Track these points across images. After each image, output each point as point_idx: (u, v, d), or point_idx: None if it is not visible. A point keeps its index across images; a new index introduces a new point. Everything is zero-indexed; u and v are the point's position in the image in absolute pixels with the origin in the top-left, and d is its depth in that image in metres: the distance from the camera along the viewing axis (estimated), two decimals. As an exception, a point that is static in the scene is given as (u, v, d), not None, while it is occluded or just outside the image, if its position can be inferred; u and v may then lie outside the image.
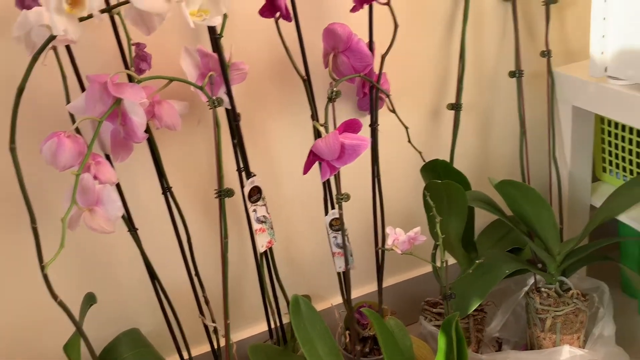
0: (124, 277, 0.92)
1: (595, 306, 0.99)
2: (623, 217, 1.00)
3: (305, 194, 0.98)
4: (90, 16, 0.59)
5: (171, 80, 0.72)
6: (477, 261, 0.83)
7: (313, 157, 0.69)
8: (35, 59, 0.63)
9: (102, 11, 0.60)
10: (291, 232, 1.00)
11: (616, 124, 1.04)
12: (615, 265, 1.01)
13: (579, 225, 1.08)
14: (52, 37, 0.63)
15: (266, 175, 0.94)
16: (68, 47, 0.74)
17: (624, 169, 1.06)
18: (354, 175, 0.97)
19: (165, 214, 0.84)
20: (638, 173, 1.02)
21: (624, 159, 1.05)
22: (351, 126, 0.71)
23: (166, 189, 0.83)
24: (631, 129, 1.00)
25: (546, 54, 1.01)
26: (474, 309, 0.88)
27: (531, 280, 1.00)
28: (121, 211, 0.69)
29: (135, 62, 0.77)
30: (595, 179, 1.13)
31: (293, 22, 0.80)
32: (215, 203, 0.79)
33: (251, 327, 1.03)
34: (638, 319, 1.12)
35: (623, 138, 1.03)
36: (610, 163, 1.09)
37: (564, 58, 1.06)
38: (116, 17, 0.74)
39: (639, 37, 0.82)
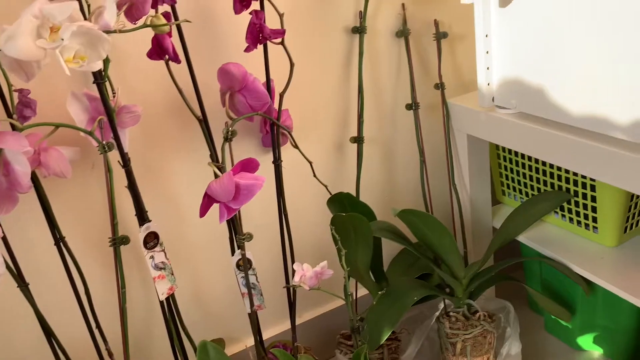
0: (18, 337, 0.85)
1: (502, 326, 1.03)
2: (522, 238, 1.06)
3: (211, 235, 0.96)
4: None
5: (57, 126, 0.69)
6: (379, 292, 0.84)
7: (208, 199, 0.68)
8: None
9: (-29, 59, 0.57)
10: (200, 275, 0.98)
11: (510, 149, 1.10)
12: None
13: (483, 248, 1.12)
14: None
15: (169, 217, 0.92)
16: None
17: (521, 192, 1.12)
18: (262, 212, 0.97)
19: (60, 266, 0.79)
20: (533, 195, 1.08)
21: (519, 182, 1.11)
22: (248, 165, 0.71)
23: (59, 240, 0.78)
24: (523, 154, 1.06)
25: (440, 86, 1.06)
26: (386, 338, 0.89)
27: (442, 305, 1.02)
28: (2, 268, 0.65)
29: (18, 109, 0.73)
30: (496, 201, 1.19)
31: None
32: (110, 250, 0.76)
33: (162, 377, 0.99)
34: (544, 334, 1.17)
35: (517, 162, 1.09)
36: (509, 186, 1.15)
37: (457, 89, 1.12)
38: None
39: (517, 69, 0.88)
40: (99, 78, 0.68)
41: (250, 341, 1.01)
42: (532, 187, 1.08)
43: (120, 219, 0.83)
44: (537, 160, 1.04)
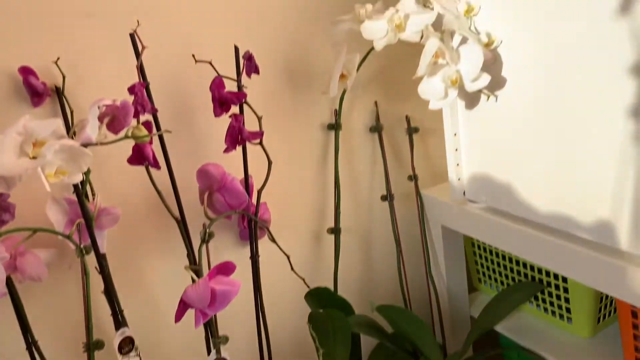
0: None
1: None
2: (499, 328, 1.06)
3: (187, 335, 0.94)
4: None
5: (35, 231, 0.70)
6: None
7: (184, 305, 0.68)
8: None
9: (-48, 174, 0.59)
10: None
11: (483, 239, 1.12)
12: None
13: (462, 337, 1.12)
14: None
15: (145, 318, 0.90)
16: None
17: (497, 280, 1.13)
18: (239, 308, 0.96)
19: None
20: (508, 284, 1.10)
21: (494, 270, 1.12)
22: (224, 269, 0.72)
23: (31, 344, 0.77)
24: (496, 243, 1.09)
25: (413, 177, 1.09)
26: None
27: (421, 399, 1.00)
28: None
29: (-4, 213, 0.74)
30: (473, 289, 1.20)
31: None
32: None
33: None
34: None
35: (491, 252, 1.11)
36: (484, 274, 1.16)
37: (430, 180, 1.15)
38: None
39: (486, 166, 0.92)
40: (78, 189, 0.70)
41: None
42: (507, 277, 1.10)
43: (96, 320, 0.82)
44: (510, 250, 1.06)
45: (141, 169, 0.80)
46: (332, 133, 1.03)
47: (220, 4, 0.91)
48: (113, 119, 0.66)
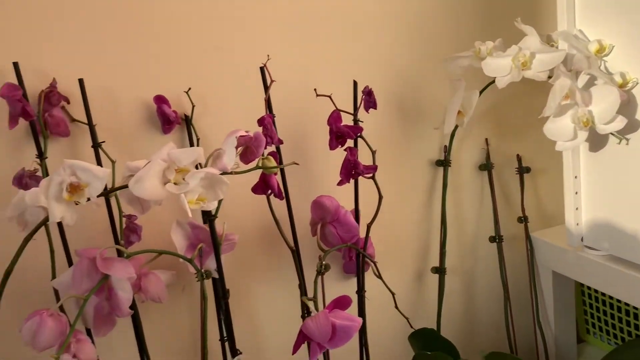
0: None
1: None
2: (614, 385, 0.99)
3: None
4: (88, 199, 0.60)
5: (160, 253, 0.72)
6: None
7: (303, 337, 0.68)
8: (27, 240, 0.63)
9: (100, 195, 0.62)
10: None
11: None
12: None
13: (569, 391, 1.06)
14: (45, 220, 0.63)
15: (249, 345, 0.91)
16: (59, 222, 0.74)
17: (608, 332, 1.06)
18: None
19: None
20: (622, 337, 1.03)
21: (606, 322, 1.05)
22: (341, 303, 0.71)
23: (146, 364, 0.79)
24: (611, 294, 1.02)
25: (523, 219, 1.05)
26: None
27: None
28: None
29: (125, 234, 0.77)
30: (579, 339, 1.13)
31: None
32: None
33: None
34: None
35: (604, 302, 1.04)
36: (594, 325, 1.09)
37: (541, 223, 1.11)
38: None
39: (609, 211, 0.87)
40: (211, 215, 0.72)
41: None
42: (620, 329, 1.03)
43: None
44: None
45: (256, 197, 0.82)
46: (440, 169, 1.01)
47: (335, 41, 0.92)
48: (246, 149, 0.68)
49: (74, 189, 0.59)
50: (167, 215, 0.82)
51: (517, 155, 1.07)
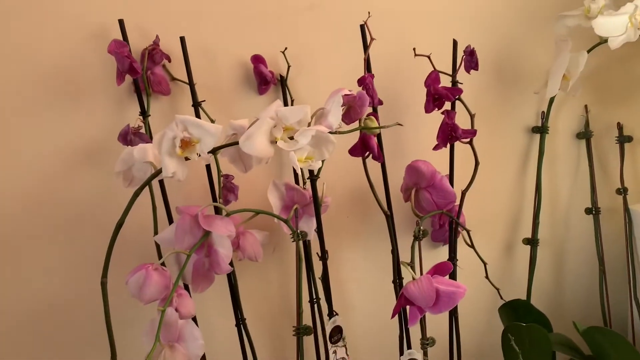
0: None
1: None
2: None
3: (375, 329, 0.94)
4: (198, 155, 0.61)
5: (258, 213, 0.72)
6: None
7: (404, 300, 0.66)
8: (137, 194, 0.64)
9: (210, 152, 0.62)
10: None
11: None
12: None
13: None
14: (155, 174, 0.64)
15: (337, 308, 0.91)
16: (161, 179, 0.76)
17: None
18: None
19: (236, 348, 0.80)
20: None
21: None
22: (441, 269, 0.69)
23: (240, 321, 0.80)
24: None
25: (622, 191, 0.99)
26: None
27: None
28: (202, 350, 0.67)
29: (224, 193, 0.78)
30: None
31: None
32: (286, 338, 0.75)
33: None
34: None
35: None
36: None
37: (640, 196, 1.05)
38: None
39: None
40: (313, 175, 0.71)
41: None
42: None
43: (292, 305, 0.83)
44: None
45: (349, 161, 0.80)
46: (536, 137, 0.97)
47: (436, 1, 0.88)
48: (349, 109, 0.66)
49: (185, 144, 0.60)
50: (261, 176, 0.83)
51: (618, 123, 1.01)
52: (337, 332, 0.77)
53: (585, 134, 0.99)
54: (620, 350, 0.84)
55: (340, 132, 0.64)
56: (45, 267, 0.74)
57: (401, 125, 0.66)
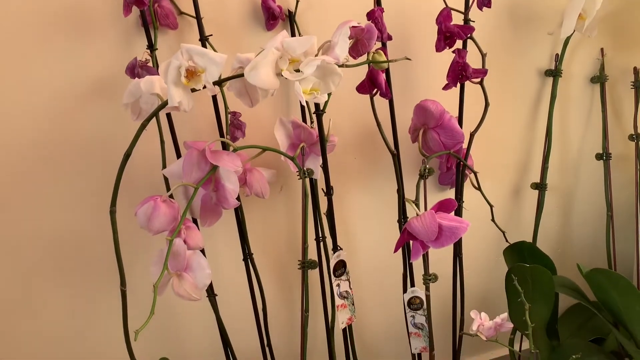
0: (196, 343, 0.90)
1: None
2: None
3: (379, 267, 0.95)
4: (204, 87, 0.61)
5: (264, 150, 0.73)
6: (574, 357, 0.77)
7: (407, 235, 0.67)
8: (144, 126, 0.65)
9: (215, 83, 0.62)
10: (362, 306, 0.97)
11: None
12: None
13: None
14: (162, 106, 0.64)
15: (342, 245, 0.92)
16: (168, 114, 0.76)
17: None
18: (433, 252, 0.95)
19: (243, 281, 0.82)
20: None
21: None
22: (445, 206, 0.69)
23: (247, 256, 0.82)
24: None
25: (634, 137, 0.98)
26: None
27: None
28: (209, 279, 0.68)
29: (231, 130, 0.78)
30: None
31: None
32: (292, 272, 0.77)
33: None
34: None
35: None
36: (701, 253, 1.03)
37: (653, 142, 1.03)
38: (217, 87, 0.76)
39: None
40: (319, 109, 0.71)
41: (404, 381, 0.98)
42: None
43: (298, 240, 0.85)
44: None
45: (356, 100, 0.80)
46: (549, 80, 0.95)
47: None
48: (356, 42, 0.65)
49: (191, 74, 0.60)
50: (268, 114, 0.83)
51: (635, 68, 0.99)
52: (341, 266, 0.78)
53: (599, 78, 0.97)
54: (623, 293, 0.85)
55: (347, 66, 0.64)
56: (59, 198, 0.75)
57: (409, 59, 0.65)
